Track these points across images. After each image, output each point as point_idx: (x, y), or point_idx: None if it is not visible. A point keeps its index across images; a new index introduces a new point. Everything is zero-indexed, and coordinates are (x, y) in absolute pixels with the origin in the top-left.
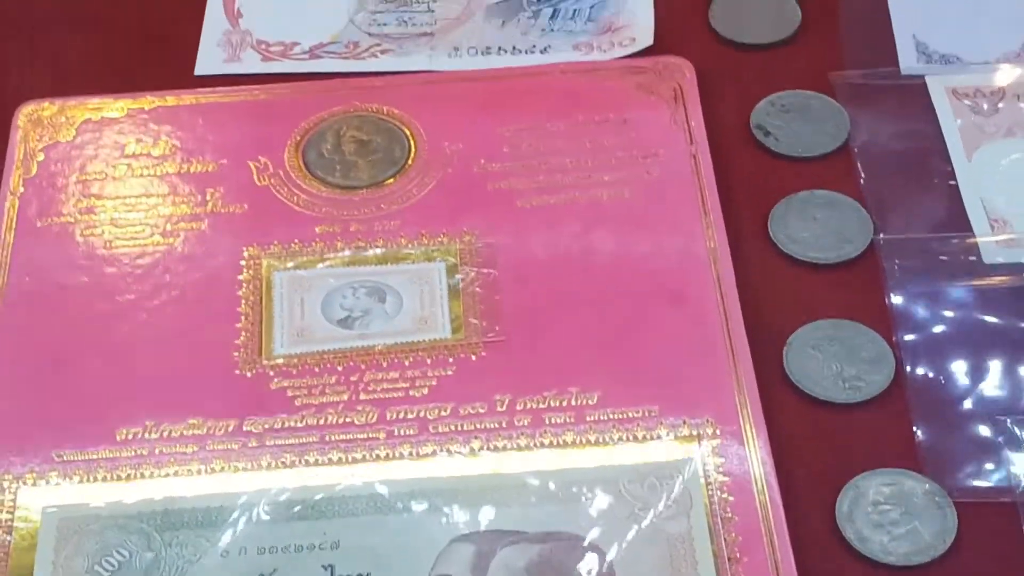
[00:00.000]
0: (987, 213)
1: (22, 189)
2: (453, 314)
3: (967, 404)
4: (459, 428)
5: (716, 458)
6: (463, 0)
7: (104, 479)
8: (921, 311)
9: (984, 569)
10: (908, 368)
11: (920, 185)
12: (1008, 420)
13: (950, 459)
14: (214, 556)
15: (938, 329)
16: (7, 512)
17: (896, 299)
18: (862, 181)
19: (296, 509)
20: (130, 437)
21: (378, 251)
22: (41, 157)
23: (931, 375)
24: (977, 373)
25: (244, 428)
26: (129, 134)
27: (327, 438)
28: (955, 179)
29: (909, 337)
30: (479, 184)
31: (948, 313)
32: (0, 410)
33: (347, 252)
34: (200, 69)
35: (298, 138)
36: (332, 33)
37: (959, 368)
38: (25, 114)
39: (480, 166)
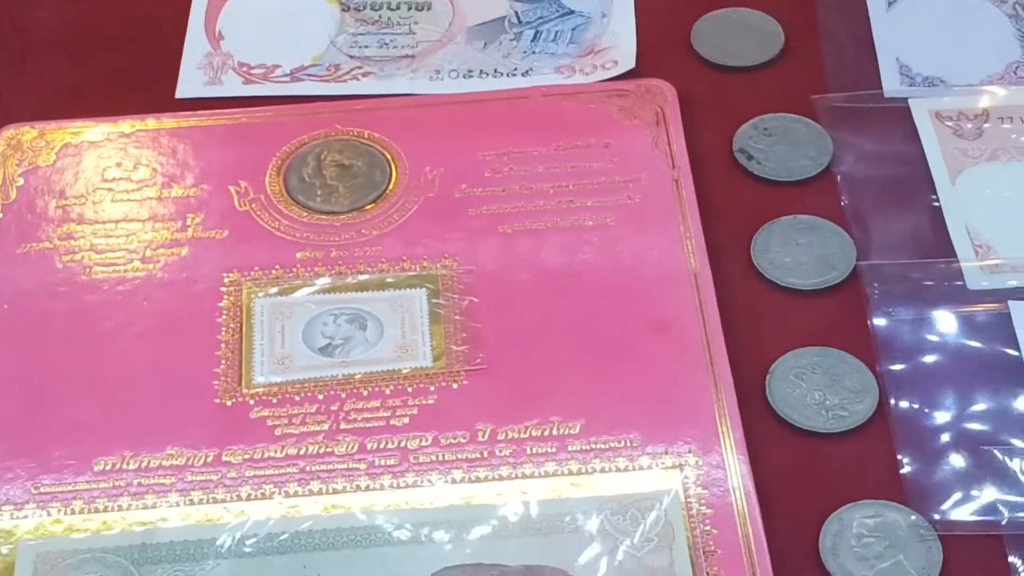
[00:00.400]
0: (971, 238)
1: (1, 215)
2: (434, 342)
3: (952, 434)
4: (440, 458)
5: (698, 489)
6: (444, 22)
7: (82, 511)
8: (905, 338)
9: None
10: (892, 398)
11: (903, 209)
12: (993, 450)
13: (935, 490)
14: None
15: (922, 357)
16: None
17: (879, 326)
18: (845, 205)
19: (276, 542)
20: (108, 467)
21: (359, 278)
22: (20, 182)
23: (915, 404)
24: (962, 402)
25: (223, 458)
26: (109, 158)
27: (307, 468)
28: (939, 203)
29: (893, 366)
30: (461, 209)
31: (932, 340)
32: None
33: (328, 278)
34: (181, 92)
35: (279, 162)
36: (313, 55)
37: (943, 397)
38: (5, 138)
39: (462, 191)
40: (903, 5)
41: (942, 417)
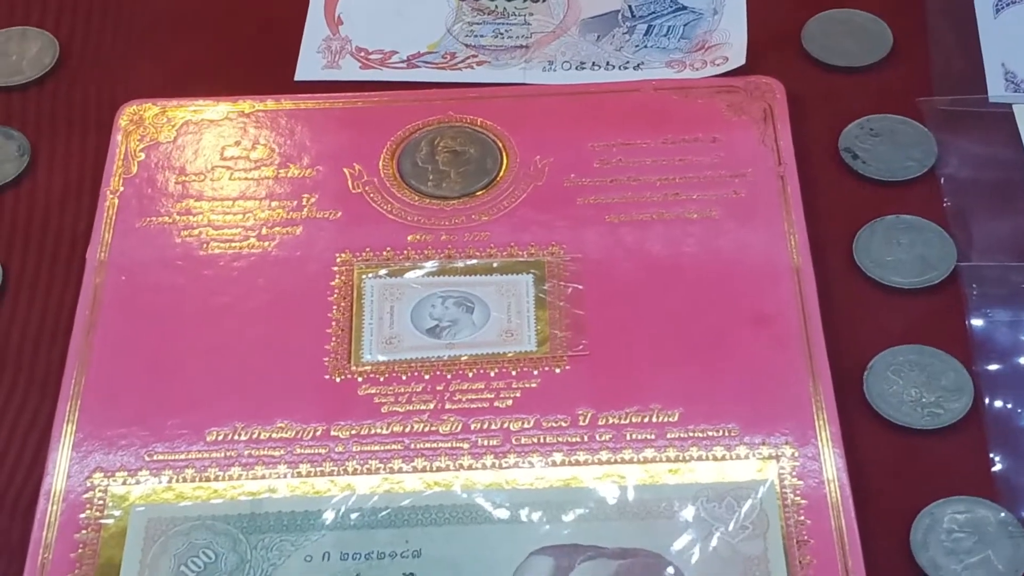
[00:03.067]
0: None
1: (122, 188)
2: (539, 327)
3: None
4: (541, 440)
5: (794, 479)
6: (559, 14)
7: (193, 479)
8: (1002, 339)
9: None
10: (987, 397)
11: (1005, 213)
12: None
13: None
14: (298, 560)
15: (1018, 358)
16: (96, 510)
17: (977, 326)
18: (947, 207)
19: (380, 516)
20: (220, 438)
21: (467, 262)
22: (142, 157)
23: (1010, 405)
24: None
25: (331, 433)
26: (228, 137)
27: (412, 446)
28: None
29: (989, 366)
30: (569, 198)
31: None
32: (93, 408)
33: (437, 261)
34: (300, 75)
35: (393, 147)
36: (430, 43)
37: None
38: (127, 114)
39: (570, 180)
40: (1010, 12)
41: None
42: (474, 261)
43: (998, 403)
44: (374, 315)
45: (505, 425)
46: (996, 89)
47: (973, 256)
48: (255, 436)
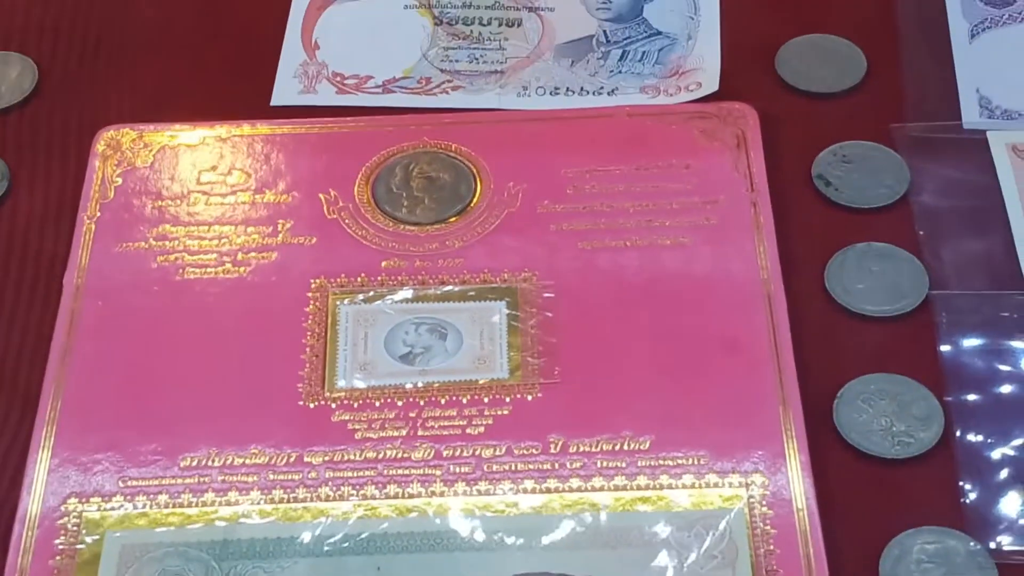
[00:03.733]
0: None
1: (99, 213)
2: (511, 354)
3: (1015, 466)
4: (513, 468)
5: (763, 508)
6: (534, 39)
7: (167, 505)
8: (973, 368)
9: None
10: (958, 427)
11: (977, 241)
12: None
13: (995, 520)
14: None
15: (989, 388)
16: (71, 536)
17: (948, 356)
18: (919, 235)
19: (353, 542)
20: (193, 464)
21: (441, 288)
22: (119, 182)
23: (980, 435)
24: None
25: (305, 459)
26: (205, 162)
27: (385, 472)
28: (1011, 236)
29: (960, 395)
30: (542, 224)
31: (1000, 371)
32: (69, 433)
33: (411, 288)
34: (276, 100)
35: (368, 172)
36: (405, 68)
37: (1009, 428)
38: (105, 139)
39: (544, 206)
40: (985, 37)
41: (1006, 449)
42: (447, 288)
43: (969, 433)
44: (348, 341)
45: (477, 452)
46: (970, 115)
47: (946, 284)
48: (229, 462)
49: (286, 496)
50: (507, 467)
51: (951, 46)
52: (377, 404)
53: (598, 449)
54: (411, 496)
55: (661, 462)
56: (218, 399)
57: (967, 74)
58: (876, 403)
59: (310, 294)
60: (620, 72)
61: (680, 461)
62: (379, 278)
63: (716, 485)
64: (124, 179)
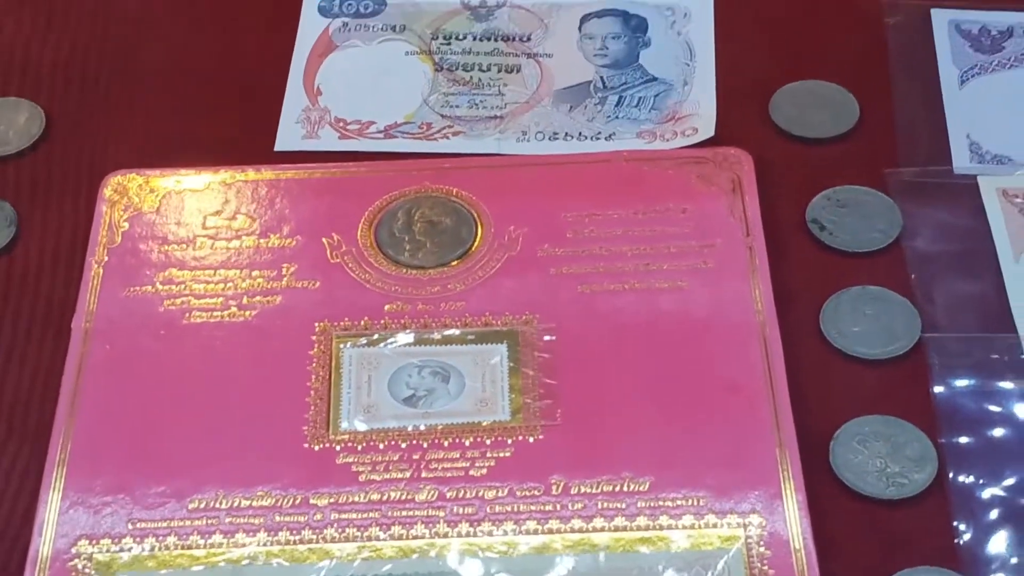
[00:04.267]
0: None
1: (107, 258)
2: (513, 396)
3: (1009, 507)
4: (515, 509)
5: (761, 548)
6: (532, 85)
7: (176, 546)
8: (965, 410)
9: None
10: (951, 468)
11: (969, 284)
12: None
13: (989, 560)
14: None
15: (982, 429)
16: None
17: (941, 398)
18: (912, 278)
19: None
20: (201, 506)
21: (443, 331)
22: (126, 227)
23: (973, 476)
24: (1020, 475)
25: (310, 501)
26: (210, 207)
27: (389, 514)
28: (1003, 279)
29: (953, 437)
30: (542, 268)
31: (992, 413)
32: (79, 475)
33: (414, 331)
34: (280, 145)
35: (371, 216)
36: (407, 113)
37: (1002, 470)
38: (112, 184)
39: (544, 250)
40: (975, 83)
41: (1000, 490)
42: (449, 331)
43: (961, 474)
44: (352, 384)
45: (480, 493)
46: (961, 160)
47: (938, 327)
48: (236, 504)
49: (292, 538)
50: (509, 508)
51: (942, 92)
52: (381, 446)
53: (599, 490)
54: (415, 537)
55: (661, 503)
56: (225, 441)
57: (957, 119)
58: (871, 444)
59: (314, 337)
60: (617, 117)
61: (679, 502)
62: (382, 321)
63: (715, 525)
64: (131, 224)
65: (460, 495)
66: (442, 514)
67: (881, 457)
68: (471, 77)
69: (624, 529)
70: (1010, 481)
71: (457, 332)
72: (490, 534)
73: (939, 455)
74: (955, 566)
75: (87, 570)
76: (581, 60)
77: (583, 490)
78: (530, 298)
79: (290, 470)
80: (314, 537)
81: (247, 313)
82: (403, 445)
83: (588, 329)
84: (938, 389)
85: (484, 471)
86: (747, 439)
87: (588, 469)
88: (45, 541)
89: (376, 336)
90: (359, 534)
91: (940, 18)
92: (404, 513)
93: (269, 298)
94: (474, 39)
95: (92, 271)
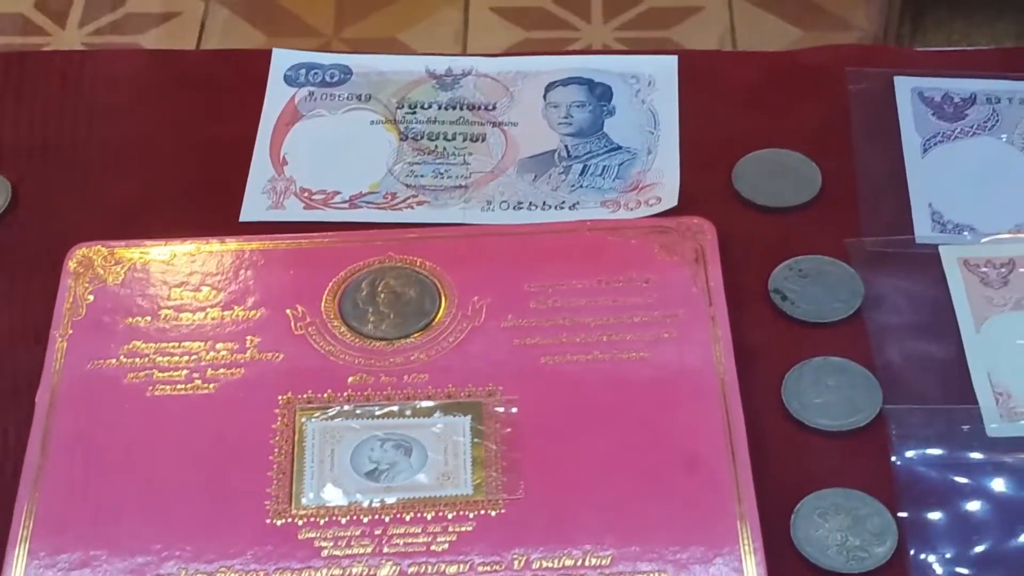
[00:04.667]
0: (992, 385)
1: (71, 331)
2: (475, 469)
3: None
4: None
5: None
6: (497, 154)
7: None
8: (925, 483)
9: None
10: (911, 543)
11: (930, 354)
12: None
13: None
14: None
15: (942, 502)
16: None
17: (900, 470)
18: (873, 348)
19: None
20: None
21: (406, 404)
22: (90, 299)
23: (932, 550)
24: (980, 550)
25: None
26: (175, 279)
27: None
28: (963, 350)
29: (912, 510)
30: (505, 339)
31: (954, 485)
32: (41, 550)
33: (377, 403)
34: (245, 215)
35: (335, 287)
36: (372, 183)
37: (962, 544)
38: (77, 257)
39: (507, 321)
40: (937, 152)
41: (959, 564)
42: (412, 403)
43: (922, 549)
44: (315, 458)
45: (441, 569)
46: (923, 229)
47: (898, 398)
48: None
49: None
50: None
51: (904, 160)
52: (343, 521)
53: (560, 565)
54: None
55: None
56: (188, 516)
57: (920, 188)
58: (832, 518)
59: (278, 410)
60: (581, 186)
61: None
62: (345, 393)
63: None
64: (96, 296)
65: (422, 570)
66: None
67: (842, 531)
68: (436, 146)
69: None
70: (969, 555)
71: (420, 404)
72: None
73: (899, 529)
74: None
75: None
76: (546, 128)
77: (545, 564)
78: (493, 370)
79: (253, 546)
80: None
81: (210, 386)
82: (365, 520)
83: (551, 401)
84: (898, 461)
85: (446, 546)
86: (709, 512)
87: (550, 543)
88: None
89: (339, 409)
90: None
91: (903, 85)
92: None
93: (233, 371)
94: (439, 108)
95: (56, 344)
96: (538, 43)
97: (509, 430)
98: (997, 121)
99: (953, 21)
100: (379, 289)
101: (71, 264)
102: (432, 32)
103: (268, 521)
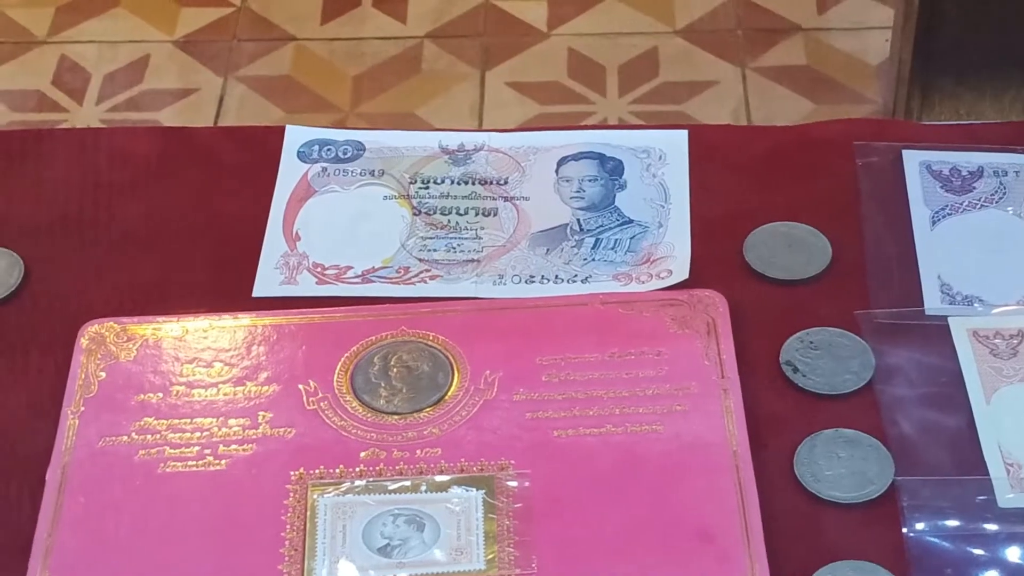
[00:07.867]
0: (1003, 456)
1: (82, 408)
2: (488, 544)
3: None
4: None
5: None
6: (509, 228)
7: None
8: (938, 554)
9: None
10: None
11: (940, 426)
12: None
13: None
14: None
15: (955, 573)
16: None
17: (913, 541)
18: (885, 420)
19: None
20: None
21: (418, 479)
22: (102, 376)
23: None
24: None
25: None
26: (187, 355)
27: None
28: (974, 421)
29: None
30: (518, 413)
31: (965, 556)
32: None
33: (389, 479)
34: (258, 291)
35: (348, 362)
36: (384, 257)
37: None
38: (89, 334)
39: (519, 394)
40: (946, 224)
41: None
42: (425, 478)
43: None
44: (327, 534)
45: None
46: (932, 301)
47: (909, 469)
48: None
49: None
50: None
51: (913, 232)
52: None
53: None
54: None
55: None
56: None
57: (929, 260)
58: None
59: (289, 486)
60: (593, 260)
61: None
62: (357, 469)
63: None
64: (108, 373)
65: None
66: None
67: None
68: (449, 221)
69: None
70: None
71: (433, 479)
72: None
73: None
74: None
75: None
76: (558, 203)
77: None
78: (505, 444)
79: None
80: None
81: (222, 463)
82: None
83: (563, 475)
84: (910, 532)
85: None
86: None
87: None
88: None
89: (351, 484)
90: None
91: (911, 159)
92: None
93: (244, 447)
94: (452, 183)
95: (68, 422)
96: (554, 117)
97: (521, 504)
98: (1004, 194)
99: (961, 95)
100: (392, 363)
101: (83, 340)
102: (448, 107)
103: None
